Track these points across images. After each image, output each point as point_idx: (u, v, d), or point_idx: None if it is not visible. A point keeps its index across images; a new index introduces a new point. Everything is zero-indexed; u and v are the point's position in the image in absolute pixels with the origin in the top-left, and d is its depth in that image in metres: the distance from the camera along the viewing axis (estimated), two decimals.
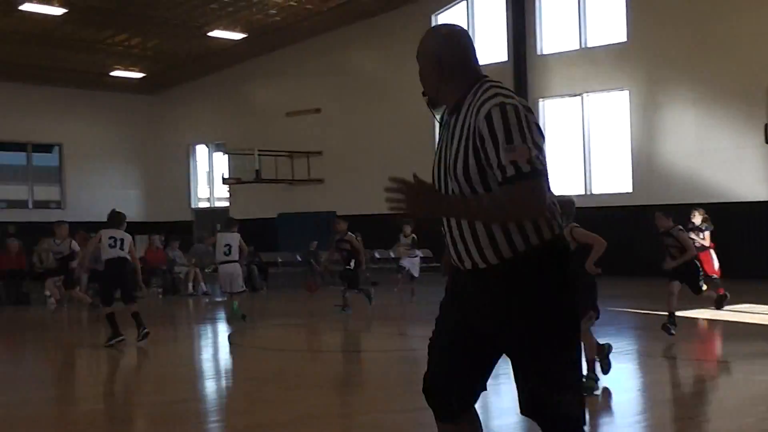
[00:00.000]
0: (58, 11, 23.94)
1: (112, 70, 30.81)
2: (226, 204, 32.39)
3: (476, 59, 3.87)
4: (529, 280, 3.55)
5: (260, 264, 22.67)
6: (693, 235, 14.09)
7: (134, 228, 28.28)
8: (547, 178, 3.56)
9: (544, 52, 25.06)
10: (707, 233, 14.50)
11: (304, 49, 29.61)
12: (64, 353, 11.57)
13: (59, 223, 16.55)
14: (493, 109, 3.47)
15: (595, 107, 24.34)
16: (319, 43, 29.23)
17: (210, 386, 9.43)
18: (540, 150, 3.47)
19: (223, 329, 14.60)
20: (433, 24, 27.30)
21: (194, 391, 8.93)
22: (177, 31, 27.66)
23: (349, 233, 15.84)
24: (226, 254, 14.62)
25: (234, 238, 14.76)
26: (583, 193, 24.01)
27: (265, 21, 27.35)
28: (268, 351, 11.93)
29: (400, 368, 9.94)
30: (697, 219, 14.57)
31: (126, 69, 30.87)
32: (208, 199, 33.94)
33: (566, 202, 7.90)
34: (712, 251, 14.48)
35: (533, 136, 3.46)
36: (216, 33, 27.33)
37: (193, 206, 33.69)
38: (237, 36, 27.73)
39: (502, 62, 25.42)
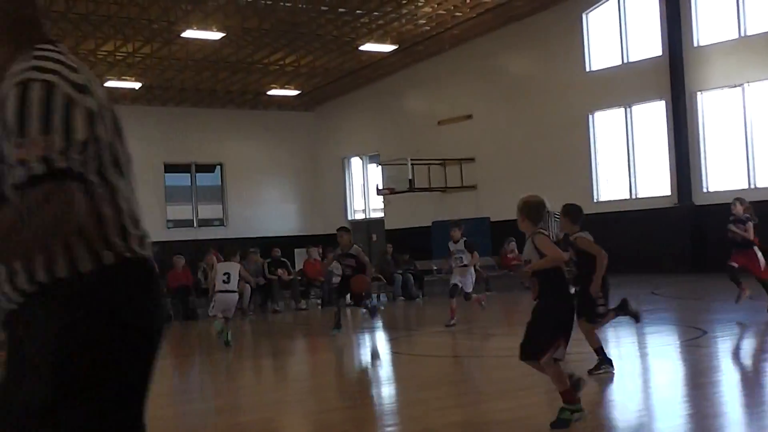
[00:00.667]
0: (216, 36, 24.86)
1: (269, 89, 31.74)
2: (381, 215, 32.75)
3: (35, 15, 2.76)
4: (36, 326, 2.59)
5: (416, 272, 22.80)
6: (735, 228, 12.97)
7: (293, 241, 29.15)
8: (108, 183, 2.65)
9: (701, 44, 24.22)
10: (750, 225, 12.91)
11: (453, 57, 29.67)
12: (228, 365, 11.95)
13: None
14: (13, 89, 2.49)
15: (756, 97, 23.33)
16: (469, 50, 29.23)
17: (378, 393, 9.52)
18: (81, 145, 2.49)
19: (381, 338, 14.75)
20: (584, 24, 26.85)
21: (363, 398, 9.04)
22: (329, 47, 28.24)
23: (355, 246, 14.08)
24: (225, 282, 13.60)
25: (234, 267, 13.80)
26: (746, 187, 23.04)
27: (415, 31, 27.57)
28: (430, 357, 11.97)
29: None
30: (738, 209, 13.36)
31: (282, 87, 31.73)
32: (364, 211, 34.39)
33: (574, 209, 7.59)
34: (757, 248, 12.93)
35: (67, 125, 2.47)
36: (367, 47, 27.73)
37: (349, 218, 34.22)
38: (388, 48, 28.06)
39: (656, 57, 24.76)
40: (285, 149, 34.25)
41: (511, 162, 28.06)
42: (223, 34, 24.90)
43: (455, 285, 14.67)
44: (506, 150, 28.31)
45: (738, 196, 13.87)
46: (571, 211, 9.14)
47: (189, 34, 24.56)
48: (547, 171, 27.02)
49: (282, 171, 34.16)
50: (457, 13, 26.60)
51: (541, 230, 6.77)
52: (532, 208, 6.84)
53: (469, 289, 14.80)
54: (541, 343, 6.63)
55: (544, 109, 27.35)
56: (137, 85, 28.80)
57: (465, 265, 14.69)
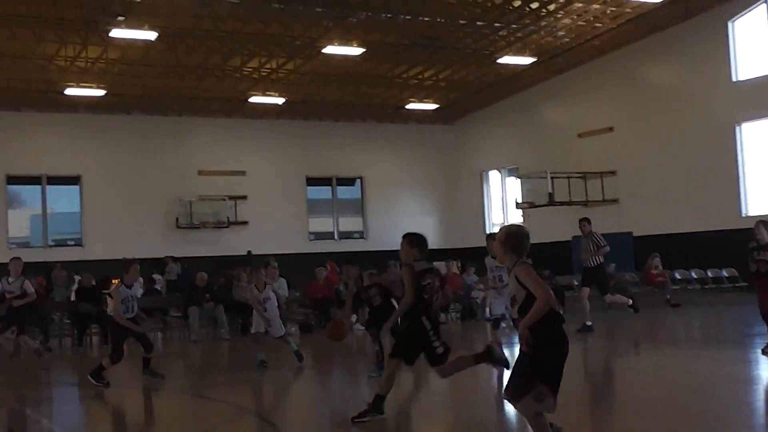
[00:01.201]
0: (356, 51, 25.26)
1: (408, 103, 32.01)
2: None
3: None
4: None
5: (556, 287, 22.52)
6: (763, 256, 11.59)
7: (432, 254, 29.15)
8: None
9: None
10: None
11: (593, 68, 29.23)
12: (361, 377, 12.06)
13: (13, 260, 15.00)
14: None
15: None
16: (609, 61, 28.74)
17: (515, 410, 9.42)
18: None
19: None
20: (730, 32, 26.04)
21: (503, 412, 8.97)
22: (468, 60, 28.29)
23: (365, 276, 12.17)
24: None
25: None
26: None
27: (554, 43, 27.32)
28: (567, 374, 11.79)
29: (718, 390, 9.51)
30: (763, 234, 11.66)
31: (420, 101, 31.94)
32: (503, 224, 34.19)
33: (420, 238, 8.23)
34: None
35: None
36: (506, 59, 27.63)
37: (487, 231, 34.07)
38: (527, 60, 27.88)
39: None
40: (424, 162, 34.43)
41: (654, 175, 27.40)
42: (364, 50, 25.26)
43: (499, 316, 13.18)
44: (649, 163, 27.65)
45: (762, 219, 12.37)
46: (420, 241, 8.73)
47: (330, 49, 25.03)
48: (692, 184, 26.29)
49: (421, 184, 34.36)
50: (598, 24, 26.20)
51: (525, 260, 6.00)
52: (516, 238, 6.10)
53: (501, 311, 13.17)
54: (520, 384, 5.88)
55: (688, 121, 26.62)
56: (281, 101, 29.51)
57: (506, 285, 12.02)
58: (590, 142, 29.57)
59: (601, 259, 16.81)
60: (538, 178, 28.64)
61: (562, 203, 28.52)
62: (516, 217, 32.91)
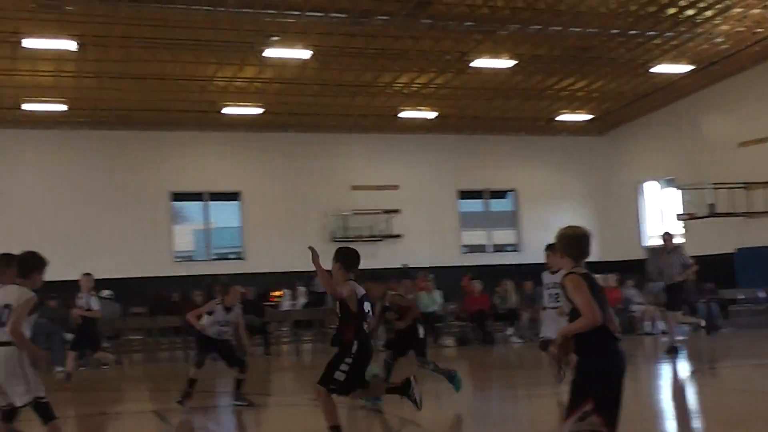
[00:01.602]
0: (508, 64, 25.18)
1: (559, 115, 31.64)
2: (681, 240, 31.57)
3: None
4: None
5: (720, 301, 21.84)
6: None
7: (589, 267, 28.74)
8: None
9: None
10: None
11: (755, 75, 28.13)
12: (519, 390, 12.01)
13: (84, 276, 15.00)
14: None
15: None
16: None
17: (677, 427, 9.22)
18: None
19: (683, 369, 14.21)
20: None
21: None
22: (621, 70, 27.74)
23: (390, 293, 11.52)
24: None
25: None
26: None
27: (712, 50, 26.47)
28: (737, 392, 11.43)
29: None
30: None
31: (573, 112, 31.52)
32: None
33: (349, 254, 7.74)
34: None
35: None
36: (660, 68, 26.94)
37: (643, 244, 33.27)
38: (683, 69, 27.12)
39: None
40: (577, 174, 33.96)
41: None
42: (515, 62, 25.14)
43: (545, 341, 11.38)
44: None
45: None
46: (342, 257, 8.06)
47: (480, 63, 25.02)
48: None
49: (574, 195, 33.87)
50: (758, 29, 25.20)
51: (575, 270, 5.40)
52: (570, 240, 5.62)
53: (549, 334, 11.13)
54: (567, 407, 5.26)
55: None
56: (432, 115, 29.70)
57: (557, 307, 10.88)
58: (753, 151, 28.44)
59: (684, 277, 16.10)
60: (697, 189, 27.76)
61: (724, 215, 27.54)
62: (675, 229, 32.04)
